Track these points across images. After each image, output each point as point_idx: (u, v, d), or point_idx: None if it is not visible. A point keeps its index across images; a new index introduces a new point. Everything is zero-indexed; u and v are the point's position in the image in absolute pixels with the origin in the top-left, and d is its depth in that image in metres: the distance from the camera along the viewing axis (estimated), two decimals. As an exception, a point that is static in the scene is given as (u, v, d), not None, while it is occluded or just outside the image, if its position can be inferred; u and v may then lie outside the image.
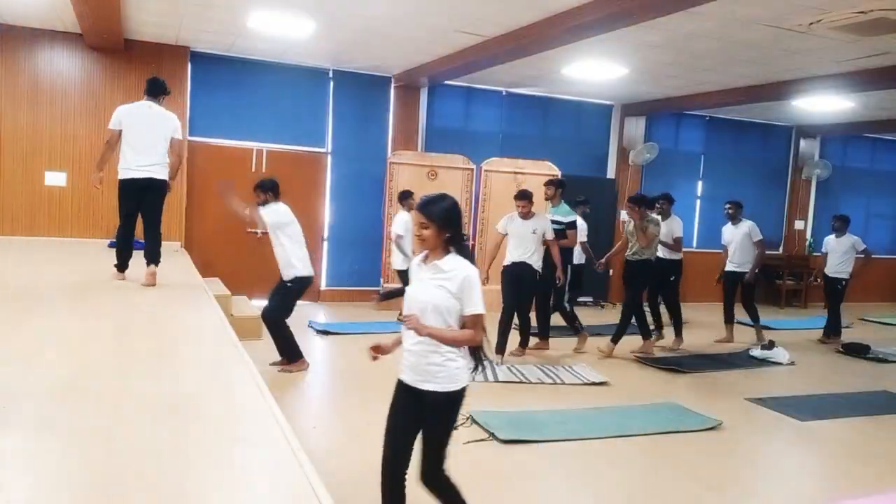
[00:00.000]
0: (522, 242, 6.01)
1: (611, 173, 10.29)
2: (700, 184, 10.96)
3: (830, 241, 8.17)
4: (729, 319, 7.72)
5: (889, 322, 9.97)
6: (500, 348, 5.99)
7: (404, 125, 8.99)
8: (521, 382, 5.46)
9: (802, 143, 11.50)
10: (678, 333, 7.24)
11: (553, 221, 6.35)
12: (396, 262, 7.40)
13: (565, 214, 6.50)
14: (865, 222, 12.25)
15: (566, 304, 6.86)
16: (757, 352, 7.06)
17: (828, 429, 4.93)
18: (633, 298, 6.64)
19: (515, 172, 9.01)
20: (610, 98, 9.84)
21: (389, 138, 8.96)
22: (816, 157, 11.55)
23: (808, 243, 11.76)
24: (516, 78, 8.57)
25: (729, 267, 7.65)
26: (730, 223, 7.71)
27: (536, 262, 6.02)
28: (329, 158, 8.70)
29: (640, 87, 8.68)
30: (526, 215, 6.02)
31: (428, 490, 2.65)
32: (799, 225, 11.73)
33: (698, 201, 10.90)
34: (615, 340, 6.60)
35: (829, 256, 8.15)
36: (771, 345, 7.05)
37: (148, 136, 4.79)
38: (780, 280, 11.12)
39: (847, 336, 8.29)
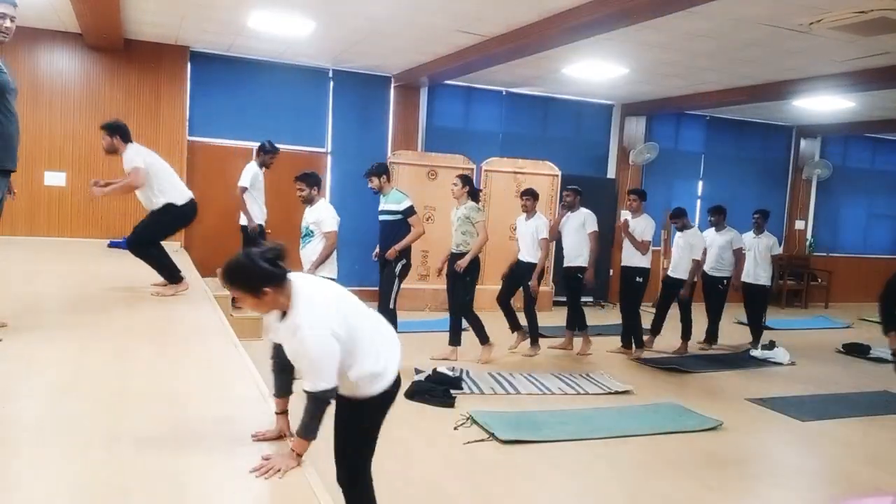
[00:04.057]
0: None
1: (611, 173, 10.29)
2: (700, 184, 10.95)
3: (709, 235, 7.34)
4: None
5: None
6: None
7: (404, 125, 8.98)
8: (543, 395, 5.25)
9: (803, 143, 11.50)
10: (532, 338, 6.57)
11: (385, 211, 5.69)
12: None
13: (398, 201, 5.62)
14: (866, 222, 12.27)
15: (391, 303, 5.69)
16: (757, 352, 7.06)
17: (828, 429, 4.93)
18: (463, 297, 6.04)
19: (515, 172, 9.01)
20: (610, 98, 9.83)
21: (389, 138, 8.95)
22: (817, 157, 11.54)
23: (808, 243, 11.76)
24: (516, 78, 8.56)
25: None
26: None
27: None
28: (329, 158, 8.69)
29: (640, 87, 8.68)
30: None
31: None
32: (799, 225, 11.72)
33: (698, 201, 10.90)
34: (454, 343, 6.10)
35: (707, 252, 7.22)
36: (771, 345, 7.05)
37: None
38: (780, 280, 11.11)
39: (847, 336, 8.29)
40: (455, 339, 6.12)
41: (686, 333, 7.18)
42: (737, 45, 6.24)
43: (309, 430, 2.11)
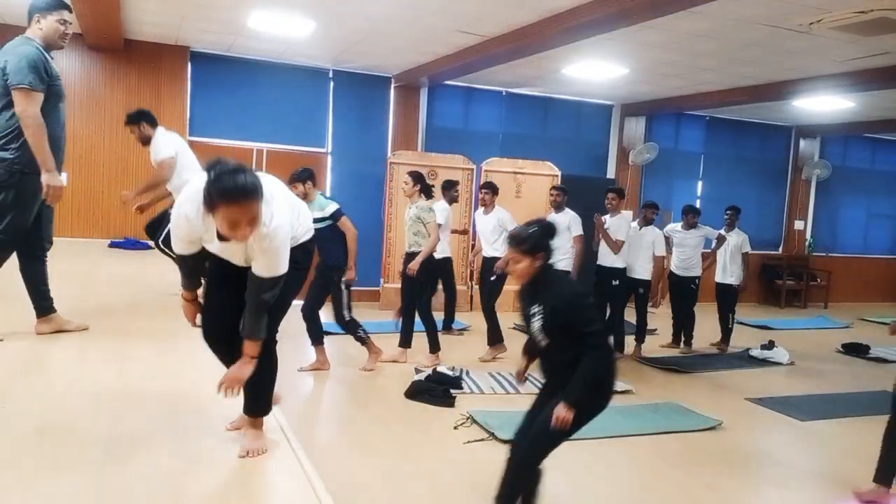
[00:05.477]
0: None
1: (611, 173, 10.29)
2: (700, 184, 10.96)
3: (679, 234, 7.25)
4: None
5: (889, 322, 9.94)
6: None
7: (404, 125, 8.99)
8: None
9: (802, 143, 11.50)
10: (489, 339, 6.34)
11: (315, 219, 5.29)
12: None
13: (321, 207, 5.30)
14: (865, 222, 12.28)
15: (345, 313, 5.49)
16: (757, 352, 7.06)
17: (828, 429, 4.93)
18: (412, 299, 5.84)
19: (515, 172, 9.01)
20: (610, 98, 9.83)
21: (389, 138, 8.96)
22: (816, 157, 11.55)
23: (807, 243, 11.77)
24: (516, 78, 8.57)
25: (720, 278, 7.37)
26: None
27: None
28: (329, 158, 8.70)
29: (640, 87, 8.68)
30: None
31: None
32: (799, 225, 11.73)
33: (698, 201, 10.90)
34: (403, 345, 5.93)
35: (678, 253, 7.19)
36: (771, 345, 7.05)
37: None
38: (780, 280, 11.12)
39: (847, 336, 8.28)
40: (405, 341, 5.93)
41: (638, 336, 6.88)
42: (737, 45, 6.24)
43: (258, 330, 2.26)
